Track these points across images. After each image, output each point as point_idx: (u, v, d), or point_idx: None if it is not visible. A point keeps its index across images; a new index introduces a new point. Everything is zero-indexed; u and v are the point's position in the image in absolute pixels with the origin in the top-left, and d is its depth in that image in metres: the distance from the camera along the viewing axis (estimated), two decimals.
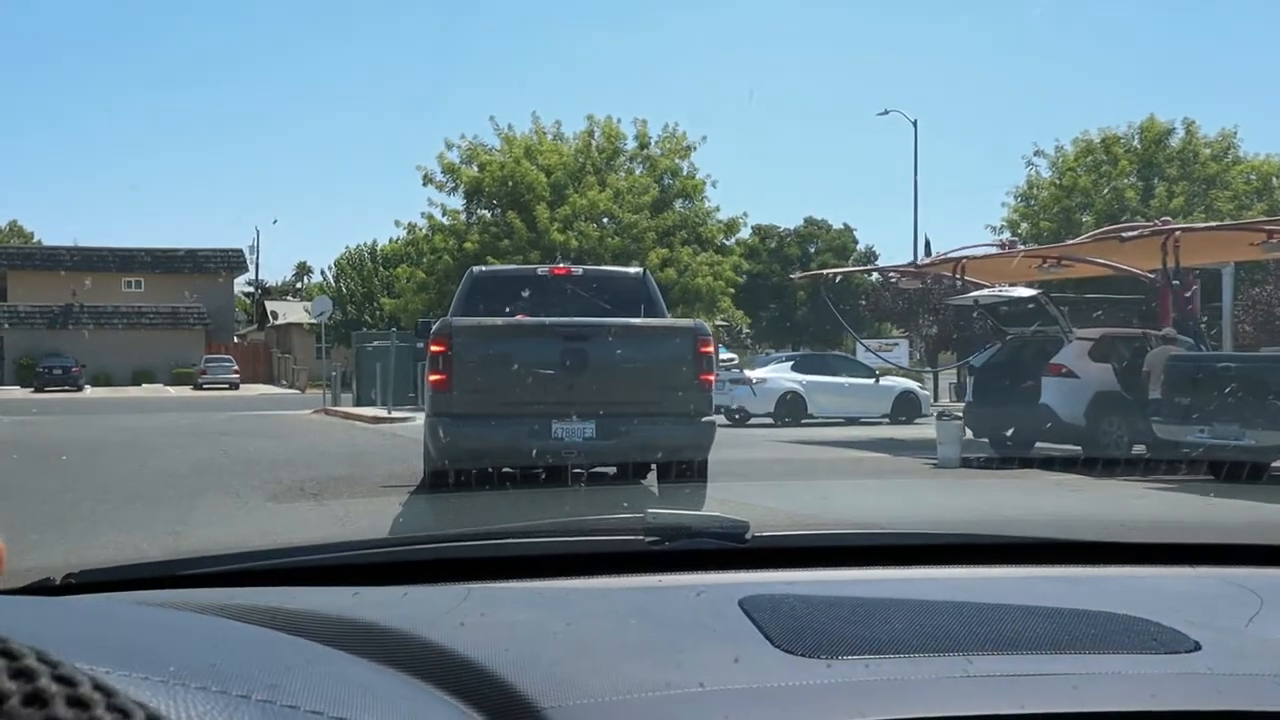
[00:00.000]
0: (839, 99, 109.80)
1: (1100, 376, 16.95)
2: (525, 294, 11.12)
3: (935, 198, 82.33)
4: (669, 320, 10.83)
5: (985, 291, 17.88)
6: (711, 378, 9.74)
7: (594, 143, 37.43)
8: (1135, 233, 17.18)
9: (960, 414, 17.38)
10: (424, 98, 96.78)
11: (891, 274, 25.64)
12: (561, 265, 12.44)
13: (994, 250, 21.32)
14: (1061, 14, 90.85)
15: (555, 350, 9.49)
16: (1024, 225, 41.11)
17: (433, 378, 9.51)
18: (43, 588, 1.65)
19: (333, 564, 1.88)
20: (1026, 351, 18.22)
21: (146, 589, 1.70)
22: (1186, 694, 1.28)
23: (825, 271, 28.48)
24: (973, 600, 1.60)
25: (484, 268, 12.58)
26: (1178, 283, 16.61)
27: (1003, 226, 41.79)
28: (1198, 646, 1.42)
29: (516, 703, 1.21)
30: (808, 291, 55.29)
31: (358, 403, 31.29)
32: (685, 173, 37.69)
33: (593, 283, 11.37)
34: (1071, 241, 21.34)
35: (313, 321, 38.05)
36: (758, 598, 1.59)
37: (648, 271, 11.74)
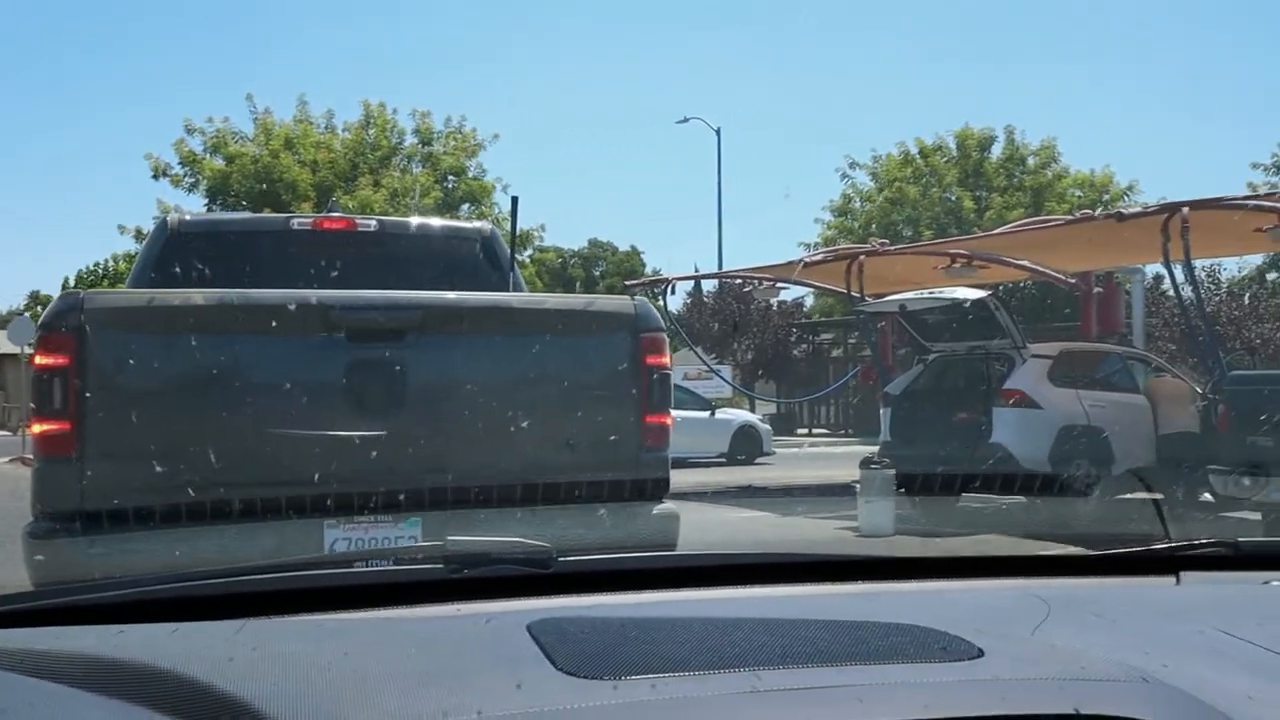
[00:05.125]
0: (627, 120, 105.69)
1: (1065, 406, 12.81)
2: (270, 265, 5.83)
3: (727, 220, 79.25)
4: (579, 298, 5.59)
5: (913, 294, 13.50)
6: (668, 420, 4.69)
7: (369, 137, 32.01)
8: (1137, 209, 13.15)
9: (884, 461, 12.85)
10: (172, 92, 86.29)
11: (750, 282, 21.12)
12: (338, 214, 7.00)
13: (881, 247, 16.98)
14: (842, 30, 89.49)
15: (331, 359, 4.31)
16: (843, 241, 37.73)
17: (39, 428, 4.12)
18: None
19: (96, 604, 1.73)
20: (957, 373, 13.93)
21: None
22: (968, 700, 1.31)
23: (665, 278, 23.71)
24: (769, 617, 1.62)
25: (188, 215, 6.97)
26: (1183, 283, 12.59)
27: (817, 244, 38.45)
28: (981, 654, 1.44)
29: None
30: None
31: None
32: (473, 174, 32.87)
33: (398, 246, 6.18)
34: (1004, 230, 17.27)
35: (25, 351, 30.94)
36: (546, 622, 1.56)
37: (497, 232, 6.54)
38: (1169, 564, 2.07)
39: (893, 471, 12.08)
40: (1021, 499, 13.44)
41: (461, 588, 1.75)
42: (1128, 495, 13.07)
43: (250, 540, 3.94)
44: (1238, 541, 2.13)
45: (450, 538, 1.78)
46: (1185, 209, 11.64)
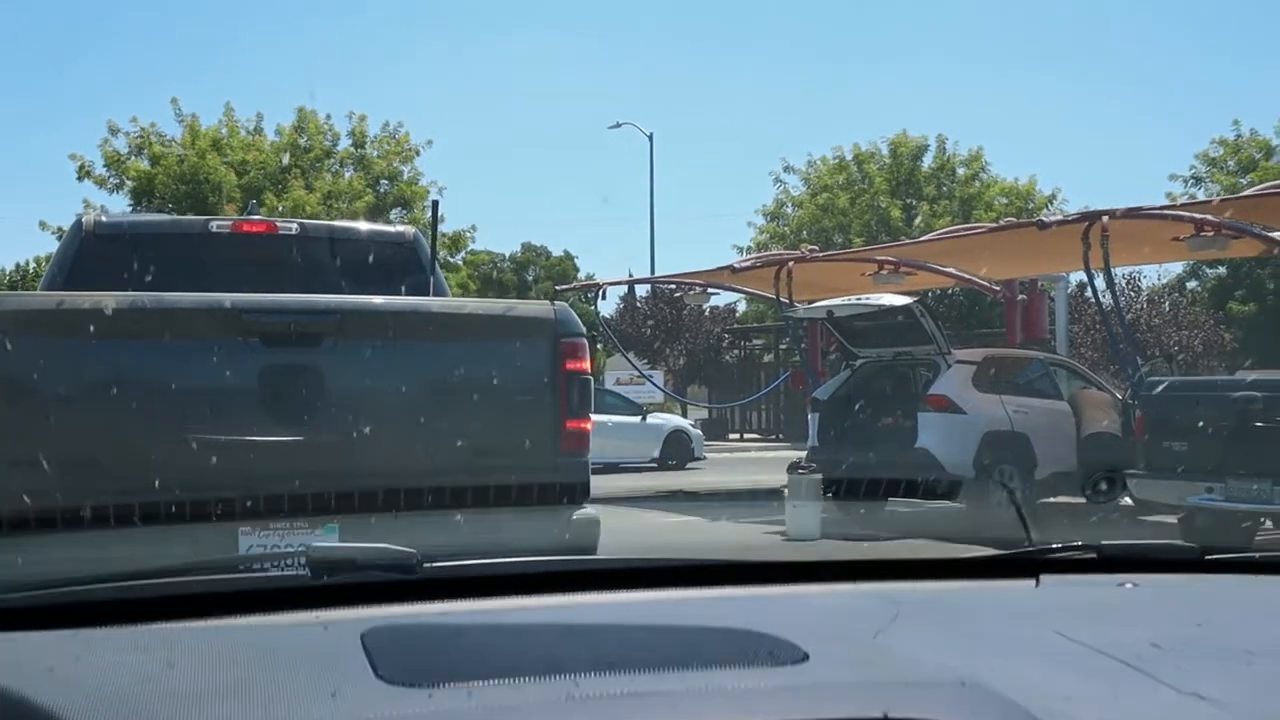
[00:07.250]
0: (560, 125, 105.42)
1: (990, 411, 13.01)
2: (189, 268, 5.76)
3: (661, 226, 79.37)
4: (499, 303, 5.58)
5: (840, 301, 13.63)
6: (588, 425, 4.70)
7: (302, 141, 31.67)
8: (1058, 217, 13.38)
9: (811, 465, 12.95)
10: (101, 92, 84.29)
11: (682, 287, 21.18)
12: (258, 218, 6.92)
13: (811, 254, 17.12)
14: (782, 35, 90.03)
15: (246, 364, 4.27)
16: (775, 246, 37.96)
17: None
18: None
19: None
20: (884, 379, 14.10)
21: None
22: (781, 706, 1.32)
23: (597, 283, 23.71)
24: (606, 622, 1.64)
25: (104, 216, 6.85)
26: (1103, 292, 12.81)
27: (750, 249, 38.65)
28: (806, 658, 1.44)
29: None
30: None
31: None
32: (406, 178, 32.64)
33: (320, 250, 6.13)
34: (931, 237, 17.47)
35: None
36: (380, 630, 1.54)
37: (420, 235, 6.52)
38: (1030, 567, 2.08)
39: (820, 476, 12.19)
40: (947, 503, 13.65)
41: (325, 595, 1.71)
42: (1051, 499, 13.31)
43: (162, 546, 3.88)
44: (1100, 545, 2.13)
45: (314, 544, 1.74)
46: (1105, 218, 11.88)
